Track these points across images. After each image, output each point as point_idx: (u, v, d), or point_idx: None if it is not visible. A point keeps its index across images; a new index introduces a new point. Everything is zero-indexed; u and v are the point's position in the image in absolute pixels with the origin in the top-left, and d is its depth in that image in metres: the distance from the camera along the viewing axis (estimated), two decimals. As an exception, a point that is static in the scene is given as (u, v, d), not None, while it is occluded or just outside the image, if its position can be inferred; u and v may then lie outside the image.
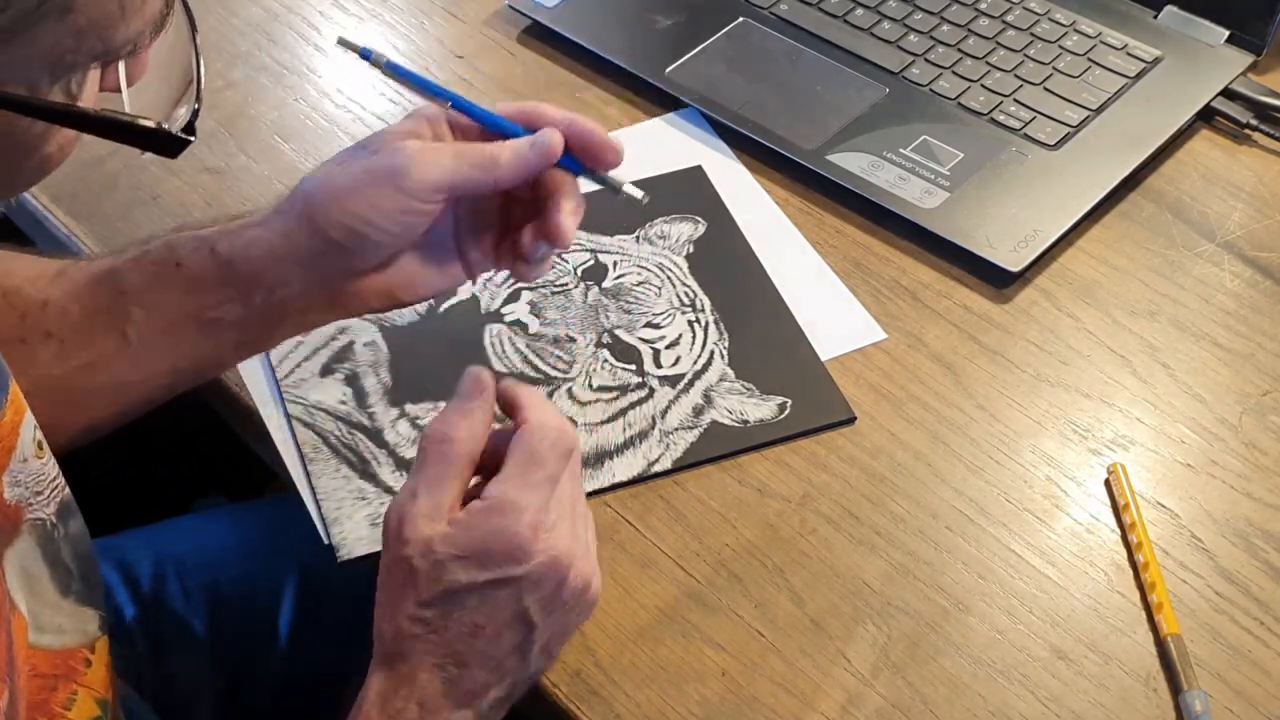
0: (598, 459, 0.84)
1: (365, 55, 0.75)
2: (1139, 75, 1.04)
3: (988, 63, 1.05)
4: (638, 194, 0.76)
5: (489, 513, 0.69)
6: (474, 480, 0.72)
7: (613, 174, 0.76)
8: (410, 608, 0.69)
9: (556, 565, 0.69)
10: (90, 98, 0.56)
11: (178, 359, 0.77)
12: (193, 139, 0.59)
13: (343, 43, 0.75)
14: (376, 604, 0.70)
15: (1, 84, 0.52)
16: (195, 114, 0.59)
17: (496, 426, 0.73)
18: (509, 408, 0.74)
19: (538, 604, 0.69)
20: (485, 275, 0.86)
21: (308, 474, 0.83)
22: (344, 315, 0.78)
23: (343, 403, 0.87)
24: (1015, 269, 0.92)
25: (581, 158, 0.75)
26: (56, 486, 0.70)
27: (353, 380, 0.88)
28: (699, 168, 1.00)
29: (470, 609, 0.68)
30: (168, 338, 0.76)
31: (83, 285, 0.77)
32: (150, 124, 0.58)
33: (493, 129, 0.75)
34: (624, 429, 0.85)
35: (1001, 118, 1.01)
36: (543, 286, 0.93)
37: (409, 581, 0.69)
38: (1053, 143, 0.99)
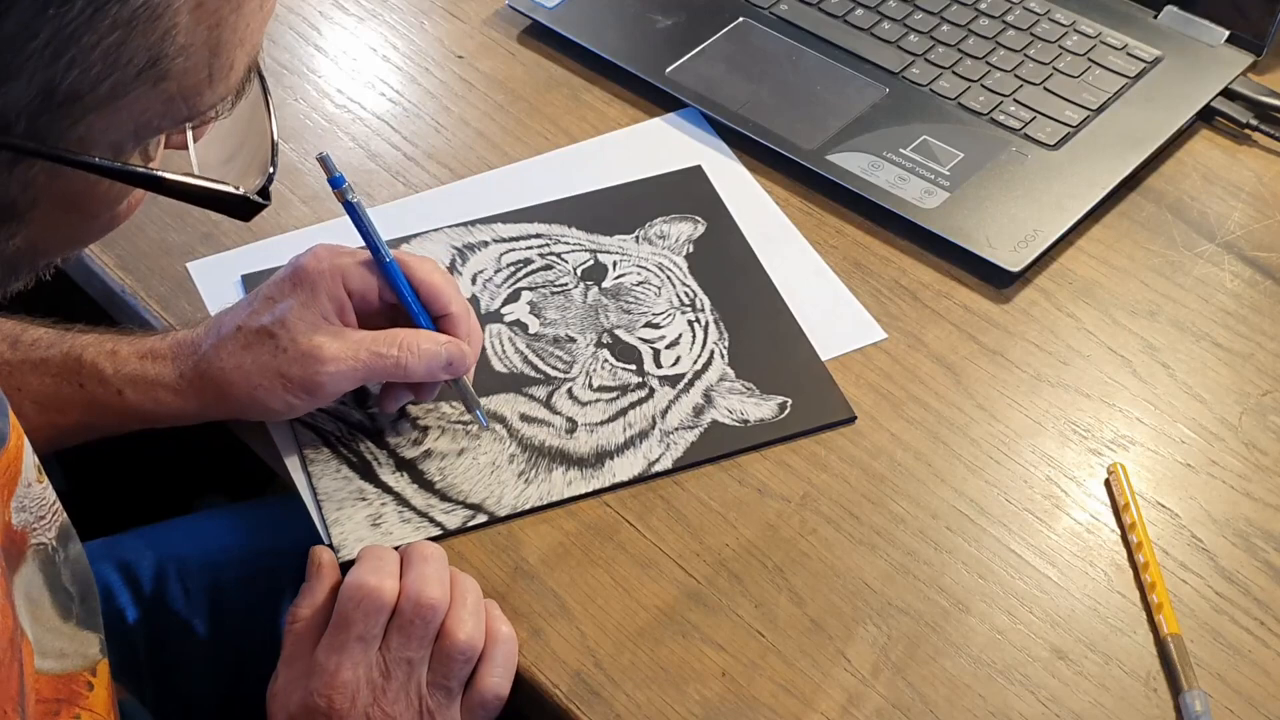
0: (598, 459, 0.84)
1: (337, 184, 0.81)
2: (1139, 75, 1.04)
3: (988, 63, 1.05)
4: (484, 421, 0.85)
5: (306, 676, 0.74)
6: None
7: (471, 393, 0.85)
8: None
9: None
10: (161, 156, 0.57)
11: (62, 444, 0.83)
12: (267, 203, 0.60)
13: (322, 161, 0.81)
14: None
15: (89, 148, 0.52)
16: (270, 179, 0.60)
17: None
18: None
19: None
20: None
21: (308, 474, 0.83)
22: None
23: (343, 403, 0.86)
24: (1015, 269, 0.92)
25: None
26: (56, 511, 0.70)
27: (353, 380, 0.88)
28: (698, 167, 1.00)
29: None
30: (57, 431, 0.82)
31: None
32: (232, 190, 0.58)
33: (406, 307, 0.82)
34: (624, 429, 0.85)
35: (1001, 118, 1.01)
36: (543, 286, 0.93)
37: None
38: (1053, 143, 0.99)
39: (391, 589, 0.75)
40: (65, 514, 0.71)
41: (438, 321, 0.83)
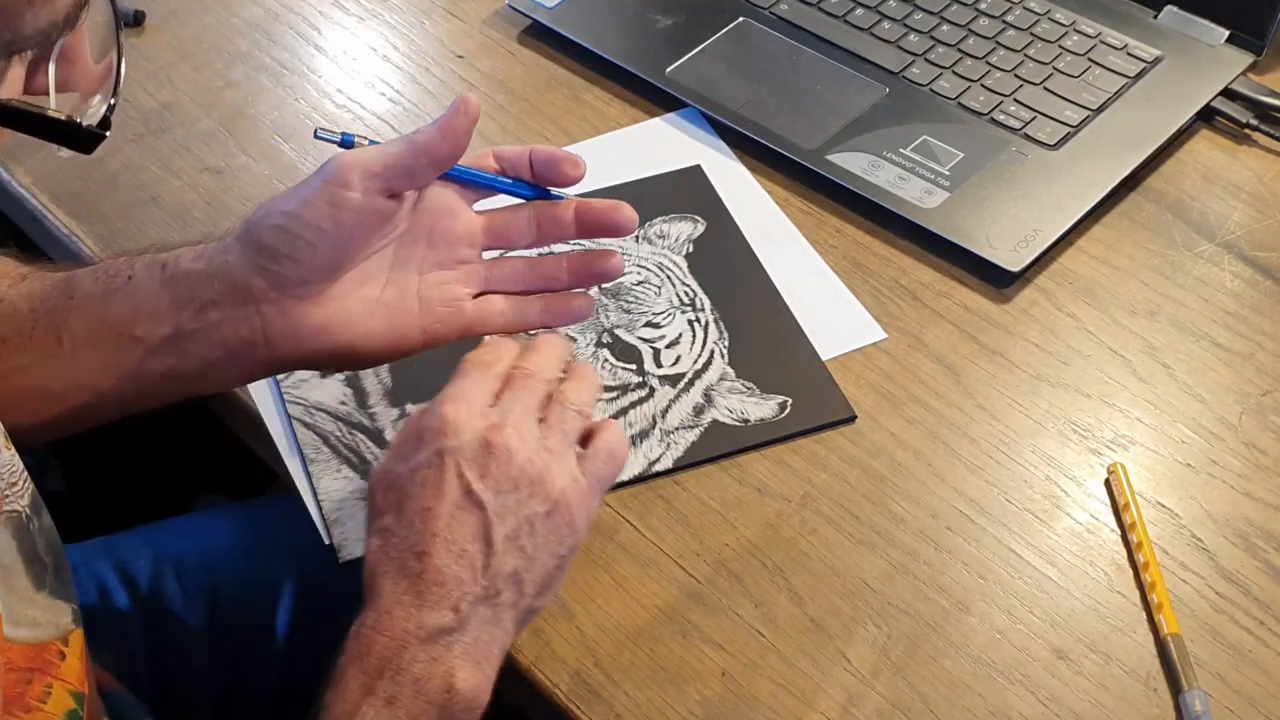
0: (598, 459, 0.84)
1: (348, 143, 0.75)
2: (1139, 75, 1.04)
3: (988, 62, 1.05)
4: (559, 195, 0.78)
5: (420, 411, 0.71)
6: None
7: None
8: (373, 525, 0.69)
9: (493, 447, 0.69)
10: (10, 95, 0.55)
11: (100, 375, 0.75)
12: (104, 134, 0.58)
13: (320, 136, 0.76)
14: None
15: None
16: (111, 109, 0.58)
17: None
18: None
19: (481, 481, 0.69)
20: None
21: (308, 474, 0.83)
22: (276, 362, 0.76)
23: (343, 403, 0.87)
24: (1015, 269, 0.92)
25: (547, 176, 0.77)
26: (25, 479, 0.69)
27: (353, 380, 0.88)
28: (698, 167, 1.00)
29: (415, 495, 0.69)
30: (94, 350, 0.75)
31: (40, 289, 0.77)
32: (60, 115, 0.56)
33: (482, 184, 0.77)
34: (624, 428, 0.85)
35: (1001, 118, 1.01)
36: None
37: (370, 511, 0.70)
38: (1053, 143, 0.99)
39: (509, 360, 0.73)
40: (34, 484, 0.71)
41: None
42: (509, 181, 0.78)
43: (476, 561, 0.68)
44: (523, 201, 0.78)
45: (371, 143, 0.75)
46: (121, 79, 0.59)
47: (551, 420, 0.72)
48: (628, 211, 0.77)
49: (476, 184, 0.78)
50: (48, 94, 0.57)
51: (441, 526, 0.68)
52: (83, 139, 0.57)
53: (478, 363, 0.73)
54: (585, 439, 0.73)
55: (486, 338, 0.76)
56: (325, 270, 0.74)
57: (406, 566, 0.68)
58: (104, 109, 0.58)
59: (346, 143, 0.76)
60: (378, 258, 0.76)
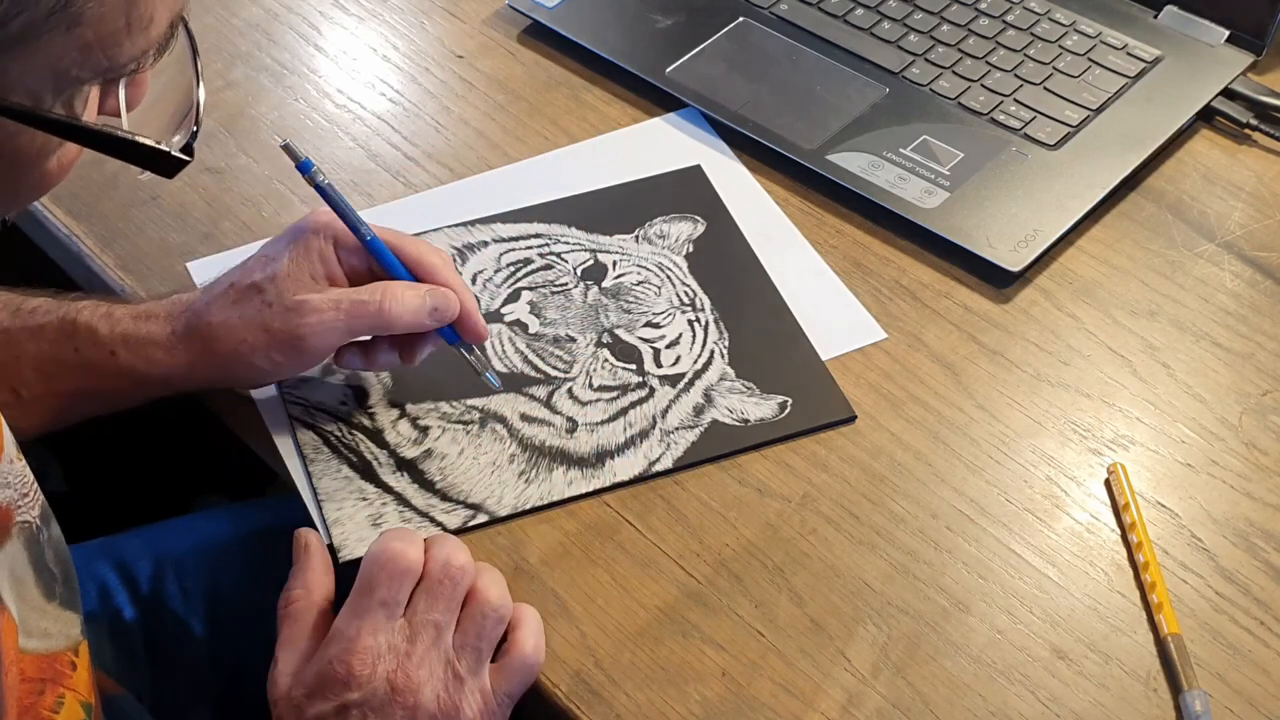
0: (598, 458, 0.84)
1: (305, 169, 0.81)
2: (1139, 75, 1.04)
3: (988, 62, 1.05)
4: (495, 383, 0.85)
5: (325, 643, 0.72)
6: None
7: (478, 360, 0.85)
8: None
9: (399, 690, 0.71)
10: (90, 117, 0.57)
11: (64, 417, 0.83)
12: (189, 160, 0.60)
13: (286, 149, 0.81)
14: None
15: (7, 94, 0.52)
16: (194, 136, 0.61)
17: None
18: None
19: None
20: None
21: (308, 474, 0.83)
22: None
23: (343, 403, 0.87)
24: (1015, 269, 0.92)
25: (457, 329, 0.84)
26: (35, 490, 0.70)
27: (353, 381, 0.88)
28: (698, 167, 1.00)
29: None
30: (56, 400, 0.81)
31: None
32: (151, 143, 0.59)
33: (390, 272, 0.82)
34: (624, 428, 0.85)
35: (1001, 117, 1.01)
36: (543, 286, 0.93)
37: None
38: (1053, 143, 0.99)
39: (417, 556, 0.73)
40: (43, 494, 0.71)
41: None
42: (401, 271, 0.83)
43: None
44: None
45: (321, 185, 0.81)
46: (202, 108, 0.62)
47: (468, 635, 0.73)
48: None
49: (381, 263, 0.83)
50: (117, 115, 0.59)
51: None
52: (169, 164, 0.60)
53: (386, 566, 0.73)
54: (501, 639, 0.75)
55: (383, 532, 0.78)
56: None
57: None
58: (186, 137, 0.61)
59: (304, 168, 0.81)
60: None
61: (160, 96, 0.61)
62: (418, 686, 0.71)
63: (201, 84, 0.62)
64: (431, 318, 0.81)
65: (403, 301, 0.80)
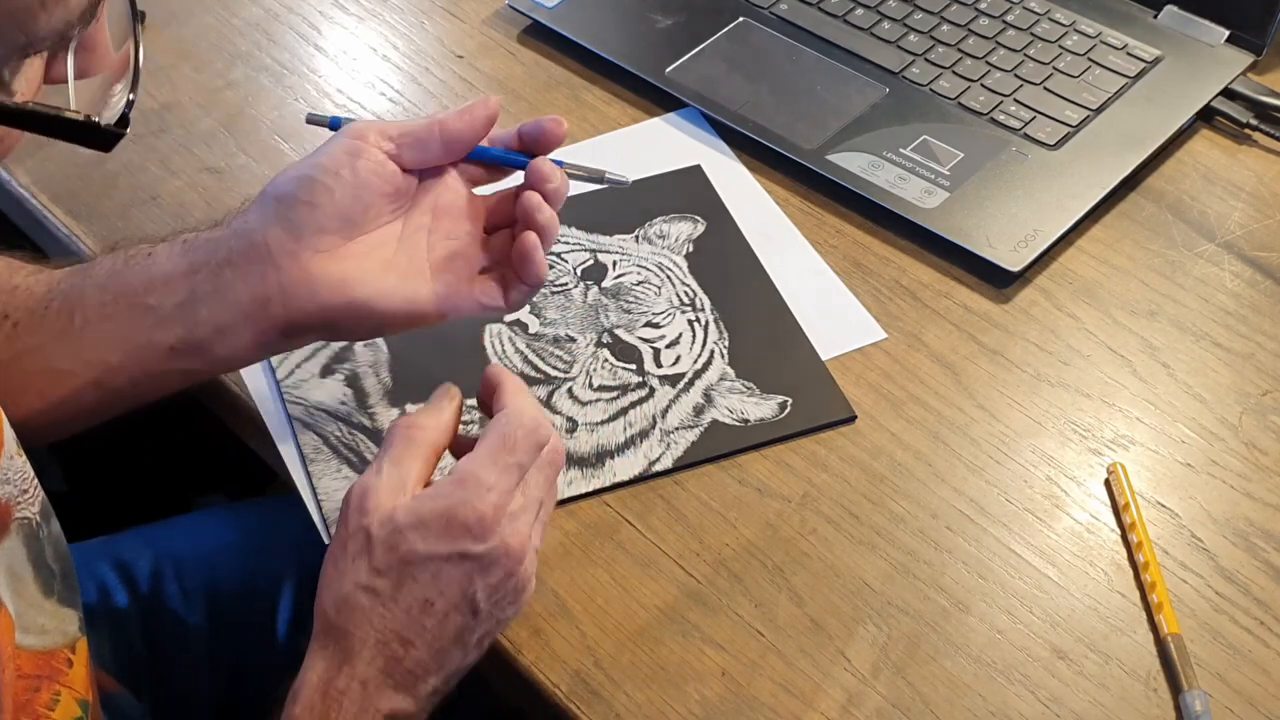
0: (598, 458, 0.84)
1: (335, 124, 0.78)
2: (1139, 75, 1.04)
3: (988, 62, 1.05)
4: (623, 178, 0.80)
5: (455, 484, 0.70)
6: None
7: (593, 165, 0.80)
8: (362, 576, 0.68)
9: (510, 554, 0.70)
10: (28, 91, 0.54)
11: (108, 349, 0.75)
12: (124, 132, 0.57)
13: (311, 120, 0.79)
14: (321, 578, 0.70)
15: None
16: (130, 104, 0.57)
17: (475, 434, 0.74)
18: (491, 395, 0.75)
19: (486, 590, 0.69)
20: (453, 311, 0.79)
21: (308, 474, 0.83)
22: (290, 321, 0.75)
23: (343, 403, 0.87)
24: (1015, 269, 0.92)
25: (537, 143, 0.78)
26: (36, 486, 0.70)
27: (353, 381, 0.88)
28: (698, 167, 1.00)
29: (423, 582, 0.68)
30: (105, 324, 0.75)
31: (61, 273, 0.78)
32: (77, 116, 0.55)
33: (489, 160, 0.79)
34: (624, 428, 0.85)
35: (1001, 117, 1.01)
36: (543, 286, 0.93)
37: (364, 550, 0.68)
38: (1053, 143, 0.99)
39: (549, 432, 0.73)
40: (43, 491, 0.71)
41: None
42: (504, 152, 0.79)
43: (450, 662, 0.70)
44: (519, 183, 0.78)
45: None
46: (140, 73, 0.58)
47: (545, 512, 0.74)
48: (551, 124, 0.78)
49: (482, 160, 0.78)
50: (67, 83, 0.56)
51: (434, 624, 0.69)
52: (102, 137, 0.56)
53: (532, 432, 0.72)
54: None
55: (507, 384, 0.75)
56: (341, 220, 0.74)
57: (388, 646, 0.68)
58: (122, 105, 0.57)
59: (334, 125, 0.78)
60: (389, 228, 0.76)
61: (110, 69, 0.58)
62: (521, 556, 0.70)
63: (140, 47, 0.58)
64: (484, 108, 0.76)
65: (454, 111, 0.76)
